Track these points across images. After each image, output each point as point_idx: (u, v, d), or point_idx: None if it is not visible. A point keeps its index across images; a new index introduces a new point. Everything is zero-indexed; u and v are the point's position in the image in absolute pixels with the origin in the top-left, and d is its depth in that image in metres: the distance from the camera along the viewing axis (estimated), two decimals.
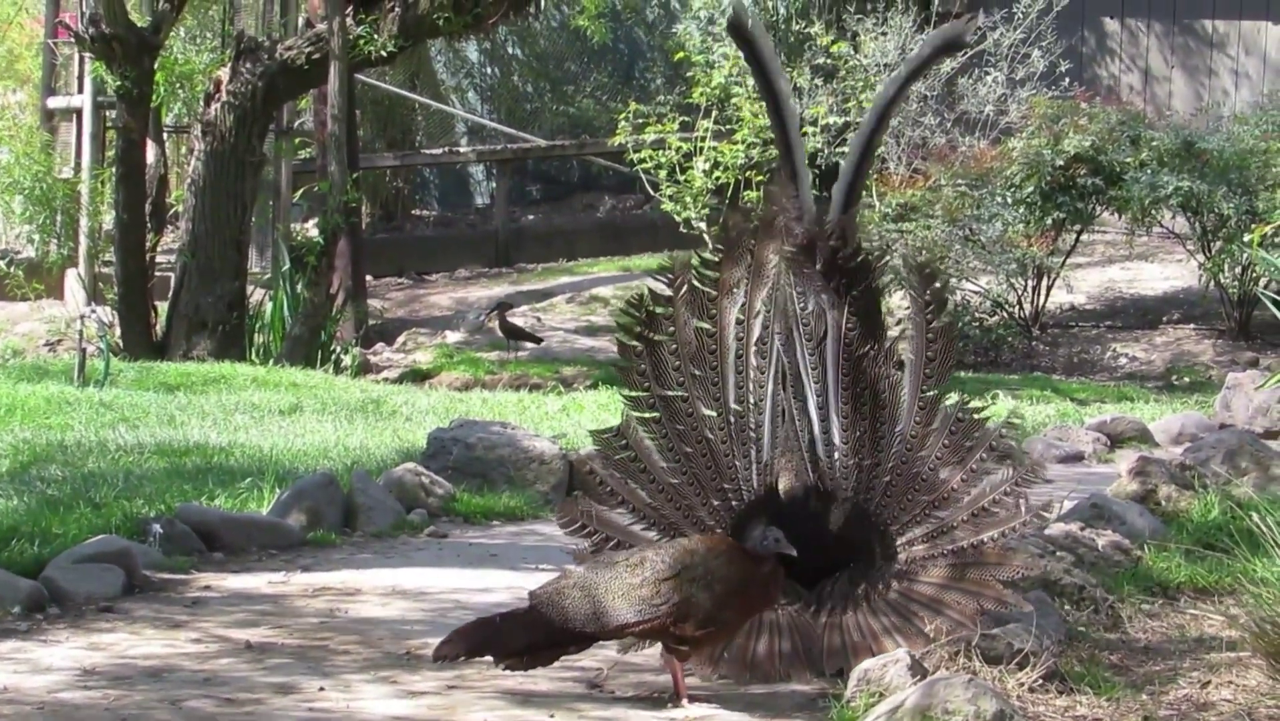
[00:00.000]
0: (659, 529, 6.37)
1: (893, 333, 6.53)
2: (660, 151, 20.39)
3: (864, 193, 19.67)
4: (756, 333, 6.40)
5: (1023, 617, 6.16)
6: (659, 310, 6.49)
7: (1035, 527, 6.57)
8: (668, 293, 6.49)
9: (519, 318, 20.20)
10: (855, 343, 6.32)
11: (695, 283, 6.49)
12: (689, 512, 6.36)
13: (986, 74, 21.24)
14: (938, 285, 6.44)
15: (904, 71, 6.91)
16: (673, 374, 6.42)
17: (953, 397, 6.33)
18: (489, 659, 6.02)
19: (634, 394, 6.51)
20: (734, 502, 6.34)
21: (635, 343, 6.50)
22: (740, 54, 20.57)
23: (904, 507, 6.24)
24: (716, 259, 6.51)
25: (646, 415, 6.44)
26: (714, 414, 6.37)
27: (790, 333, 6.38)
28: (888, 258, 6.67)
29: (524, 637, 5.94)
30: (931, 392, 6.28)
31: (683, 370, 6.41)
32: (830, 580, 6.26)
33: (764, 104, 7.08)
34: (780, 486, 6.29)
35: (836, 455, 6.30)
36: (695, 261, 6.56)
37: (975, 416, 6.26)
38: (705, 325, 6.44)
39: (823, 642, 6.15)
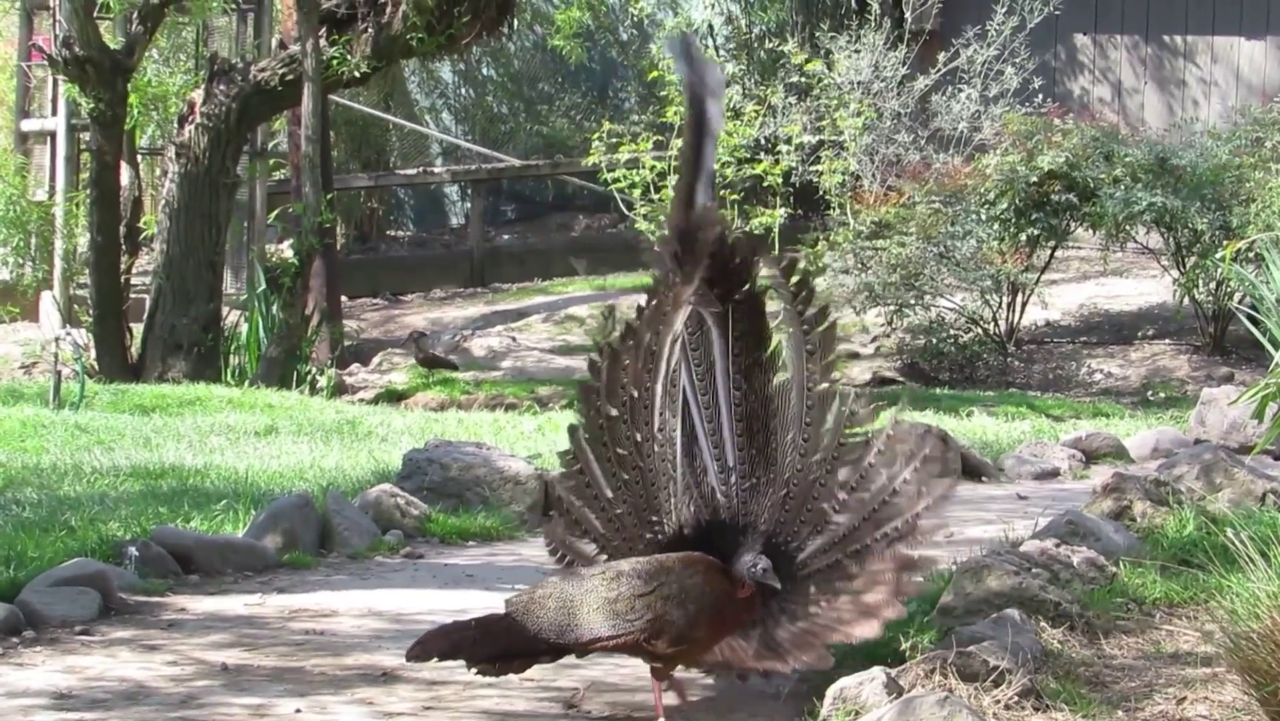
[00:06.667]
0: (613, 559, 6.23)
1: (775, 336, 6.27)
2: (634, 171, 20.43)
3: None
4: (675, 358, 6.13)
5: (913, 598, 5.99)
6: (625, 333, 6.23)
7: (936, 513, 6.15)
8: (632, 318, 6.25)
9: (494, 337, 20.22)
10: (741, 354, 6.14)
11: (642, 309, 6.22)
12: (632, 546, 6.18)
13: (960, 91, 21.31)
14: (799, 276, 6.16)
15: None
16: (620, 391, 6.15)
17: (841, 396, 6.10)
18: (463, 675, 6.01)
19: (584, 418, 6.32)
20: (660, 539, 6.16)
21: (599, 358, 6.26)
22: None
23: (804, 519, 6.03)
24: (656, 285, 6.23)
25: (596, 435, 6.20)
26: (645, 439, 6.12)
27: (682, 356, 6.13)
28: (759, 256, 6.28)
29: (497, 644, 5.90)
30: (820, 388, 6.09)
31: (625, 390, 6.15)
32: None
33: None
34: (686, 524, 6.13)
35: (733, 479, 6.12)
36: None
37: (865, 409, 6.06)
38: (649, 349, 6.15)
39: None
